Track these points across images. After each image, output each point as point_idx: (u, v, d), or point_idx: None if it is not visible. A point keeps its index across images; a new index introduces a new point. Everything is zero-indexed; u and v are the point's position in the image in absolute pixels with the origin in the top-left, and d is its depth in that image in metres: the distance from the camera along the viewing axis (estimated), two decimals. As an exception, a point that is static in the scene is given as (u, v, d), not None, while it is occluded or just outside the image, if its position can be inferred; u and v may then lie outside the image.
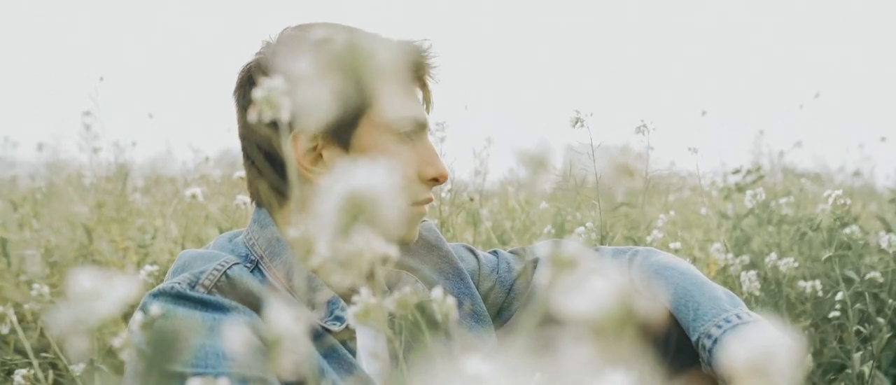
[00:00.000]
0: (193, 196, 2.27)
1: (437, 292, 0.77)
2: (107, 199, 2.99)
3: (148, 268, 2.11)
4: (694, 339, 1.15)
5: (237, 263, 1.04)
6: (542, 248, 1.47)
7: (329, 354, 1.05)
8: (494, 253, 1.39)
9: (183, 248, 2.67)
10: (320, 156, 1.09)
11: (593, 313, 0.33)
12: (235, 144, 1.23)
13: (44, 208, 3.01)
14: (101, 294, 0.39)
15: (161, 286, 1.00)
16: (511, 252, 1.40)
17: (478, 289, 1.30)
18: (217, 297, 0.99)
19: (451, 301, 0.77)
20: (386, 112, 1.10)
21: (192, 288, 0.99)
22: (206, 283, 1.00)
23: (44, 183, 3.35)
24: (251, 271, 1.06)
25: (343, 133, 1.09)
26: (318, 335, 1.05)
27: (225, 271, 1.02)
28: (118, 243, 2.57)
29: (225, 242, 1.13)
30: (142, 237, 2.65)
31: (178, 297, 0.98)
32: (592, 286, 0.34)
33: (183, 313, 0.97)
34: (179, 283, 0.99)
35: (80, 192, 3.24)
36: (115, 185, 3.13)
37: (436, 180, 1.16)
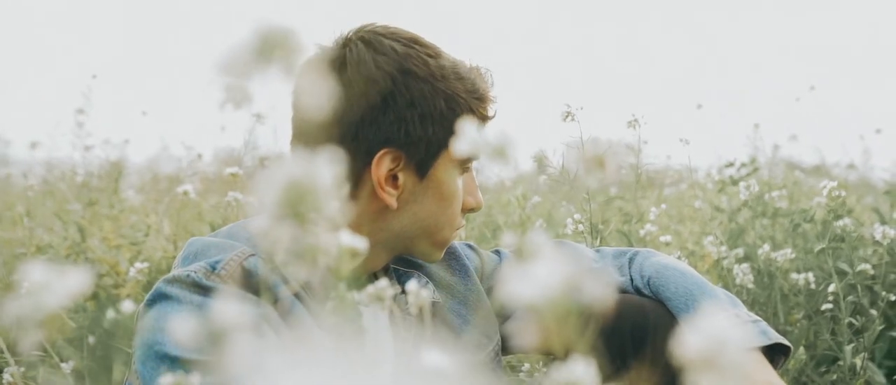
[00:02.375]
0: (185, 193, 2.27)
1: (412, 284, 0.77)
2: (100, 197, 2.98)
3: (139, 265, 2.11)
4: None
5: (253, 255, 1.03)
6: (507, 240, 1.49)
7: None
8: (497, 252, 1.40)
9: (175, 246, 2.67)
10: (396, 178, 1.11)
11: (539, 300, 0.33)
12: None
13: (37, 206, 3.00)
14: (51, 287, 0.39)
15: (176, 273, 0.99)
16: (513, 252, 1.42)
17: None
18: (232, 288, 0.99)
19: (425, 294, 0.76)
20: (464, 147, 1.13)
21: (209, 277, 0.99)
22: (223, 273, 1.00)
23: (37, 181, 3.35)
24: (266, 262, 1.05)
25: (425, 163, 1.11)
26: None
27: (241, 262, 1.02)
28: (110, 241, 2.56)
29: (239, 230, 1.12)
30: (134, 235, 2.65)
31: (195, 286, 0.97)
32: (538, 274, 0.33)
33: (198, 301, 0.96)
34: (195, 272, 0.99)
35: (73, 190, 3.23)
36: (107, 183, 3.13)
37: (472, 209, 1.21)
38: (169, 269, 2.55)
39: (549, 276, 0.33)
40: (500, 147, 0.46)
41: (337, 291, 0.51)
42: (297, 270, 0.44)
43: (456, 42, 1.21)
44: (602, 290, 0.35)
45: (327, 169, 0.35)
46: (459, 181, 1.16)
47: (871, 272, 2.06)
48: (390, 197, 1.11)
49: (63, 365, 1.69)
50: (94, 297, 2.45)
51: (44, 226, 2.77)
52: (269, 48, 0.35)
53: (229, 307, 0.34)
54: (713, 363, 0.34)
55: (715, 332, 0.35)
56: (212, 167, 3.81)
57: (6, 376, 1.61)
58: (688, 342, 0.35)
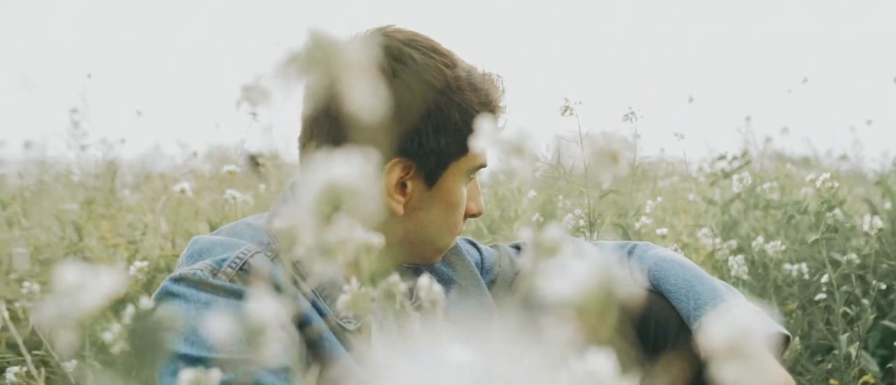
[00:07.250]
0: (182, 191, 2.27)
1: (424, 279, 0.78)
2: (96, 196, 2.98)
3: (138, 264, 2.11)
4: (695, 327, 1.21)
5: (258, 252, 1.04)
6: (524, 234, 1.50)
7: (318, 343, 1.05)
8: (495, 247, 1.41)
9: (173, 244, 2.67)
10: (404, 185, 1.12)
11: (574, 295, 0.34)
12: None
13: (33, 206, 3.00)
14: (87, 287, 0.40)
15: (182, 271, 1.00)
16: (512, 246, 1.43)
17: None
18: (239, 286, 0.99)
19: (437, 288, 0.77)
20: (476, 159, 1.15)
21: (215, 275, 0.99)
22: (229, 270, 1.00)
23: (32, 181, 3.34)
24: (272, 260, 1.06)
25: (435, 173, 1.12)
26: (307, 323, 1.05)
27: (247, 260, 1.02)
28: (108, 240, 2.56)
29: (244, 228, 1.12)
30: (131, 233, 2.65)
31: (201, 284, 0.98)
32: (573, 269, 0.35)
33: (206, 299, 0.97)
34: (201, 270, 0.99)
35: (69, 189, 3.23)
36: (103, 182, 3.13)
37: (474, 215, 1.22)
38: (167, 268, 2.55)
39: (584, 271, 0.34)
40: (518, 144, 0.48)
41: (384, 288, 0.52)
42: (322, 267, 0.45)
43: (445, 32, 1.21)
44: (634, 286, 0.36)
45: (363, 168, 0.37)
46: (465, 189, 1.17)
47: (857, 261, 2.08)
48: (397, 204, 1.11)
49: (64, 364, 1.70)
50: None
51: (40, 226, 2.77)
52: (319, 56, 0.36)
53: (264, 305, 0.35)
54: (738, 353, 0.35)
55: (740, 323, 0.36)
56: (206, 165, 3.81)
57: (9, 376, 1.61)
58: (713, 332, 0.37)
